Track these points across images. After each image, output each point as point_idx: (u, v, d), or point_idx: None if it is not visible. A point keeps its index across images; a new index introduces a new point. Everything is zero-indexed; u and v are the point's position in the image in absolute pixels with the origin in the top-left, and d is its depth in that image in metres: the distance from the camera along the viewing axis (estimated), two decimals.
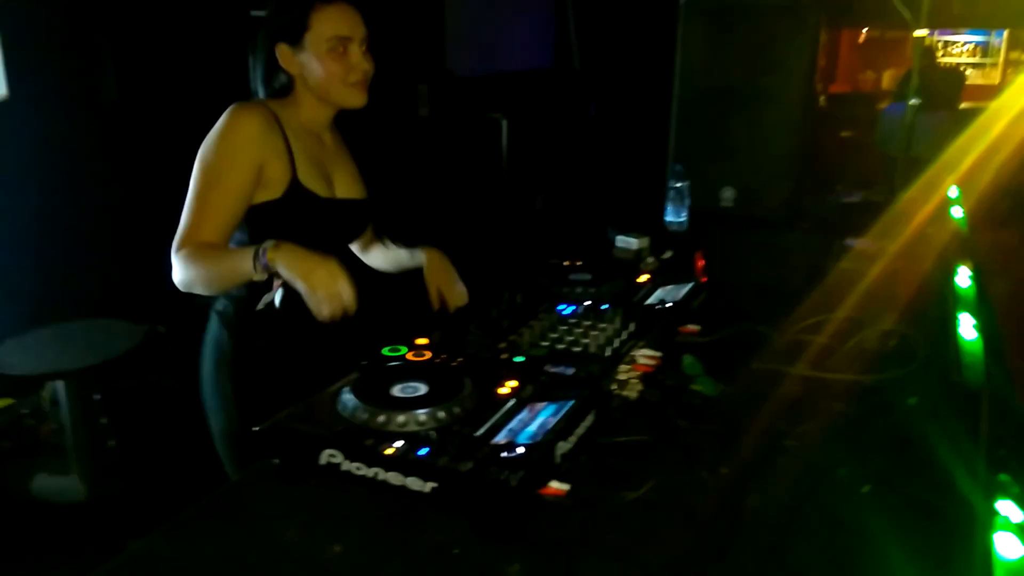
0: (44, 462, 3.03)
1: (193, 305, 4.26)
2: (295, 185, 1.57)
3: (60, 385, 2.85)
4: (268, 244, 1.40)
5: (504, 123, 4.04)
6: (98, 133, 3.66)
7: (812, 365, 1.46)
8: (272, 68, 1.62)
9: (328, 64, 1.58)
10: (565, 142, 4.71)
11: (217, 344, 1.66)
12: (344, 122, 1.75)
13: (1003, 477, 1.00)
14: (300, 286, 1.37)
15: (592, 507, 1.06)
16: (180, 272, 1.47)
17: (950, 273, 1.84)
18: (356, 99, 1.64)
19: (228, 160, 1.50)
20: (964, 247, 2.07)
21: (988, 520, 0.93)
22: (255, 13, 3.71)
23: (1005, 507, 0.96)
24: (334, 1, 1.59)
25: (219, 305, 1.67)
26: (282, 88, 1.64)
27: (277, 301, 1.46)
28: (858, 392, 1.39)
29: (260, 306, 1.50)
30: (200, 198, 1.50)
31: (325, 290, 1.35)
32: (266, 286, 1.47)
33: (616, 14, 5.43)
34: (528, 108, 4.46)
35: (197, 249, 1.48)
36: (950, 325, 1.57)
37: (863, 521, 1.07)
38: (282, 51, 1.59)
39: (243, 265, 1.42)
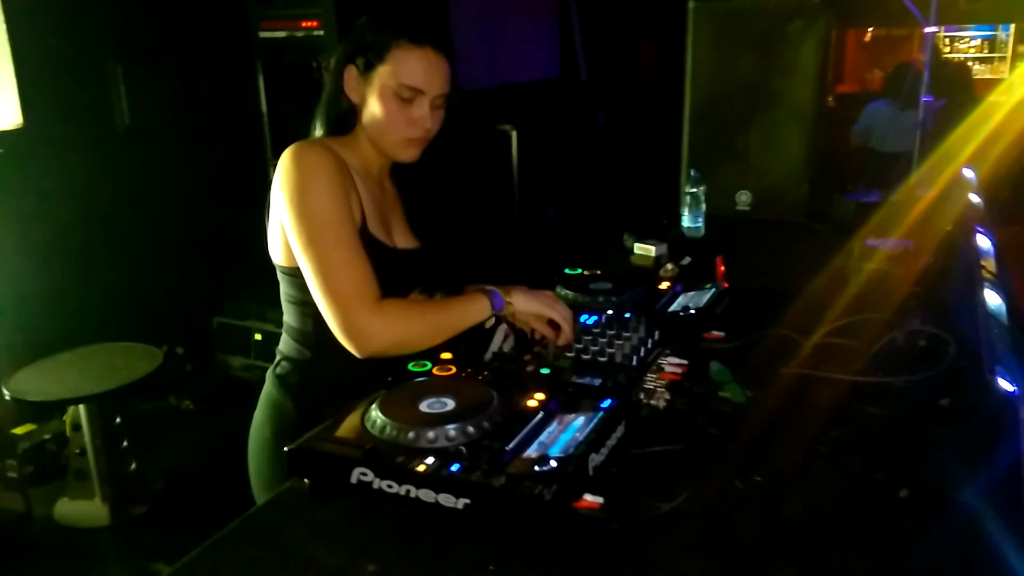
0: (67, 487, 3.05)
1: (208, 326, 4.27)
2: (363, 234, 1.42)
3: (82, 410, 2.86)
4: (496, 288, 1.43)
5: (514, 134, 4.04)
6: (112, 158, 3.69)
7: (841, 368, 1.44)
8: (336, 91, 1.48)
9: (389, 108, 1.43)
10: (575, 151, 4.72)
11: (277, 411, 1.52)
12: (397, 169, 1.60)
13: None
14: (543, 318, 1.43)
15: (627, 519, 1.05)
16: (387, 332, 1.33)
17: (975, 269, 1.82)
18: (405, 154, 1.49)
19: (335, 203, 1.35)
20: (987, 243, 2.05)
21: None
22: (264, 34, 3.75)
23: None
24: (422, 44, 1.43)
25: (279, 368, 1.54)
26: (341, 119, 1.49)
27: (508, 348, 1.43)
28: (890, 394, 1.37)
29: (488, 355, 1.41)
30: (342, 250, 1.34)
31: (567, 320, 1.43)
32: (486, 334, 1.43)
33: (621, 21, 5.44)
34: (537, 118, 4.47)
35: (399, 304, 1.38)
36: (980, 323, 1.55)
37: (904, 526, 1.05)
38: (350, 74, 1.46)
39: (473, 313, 1.40)
